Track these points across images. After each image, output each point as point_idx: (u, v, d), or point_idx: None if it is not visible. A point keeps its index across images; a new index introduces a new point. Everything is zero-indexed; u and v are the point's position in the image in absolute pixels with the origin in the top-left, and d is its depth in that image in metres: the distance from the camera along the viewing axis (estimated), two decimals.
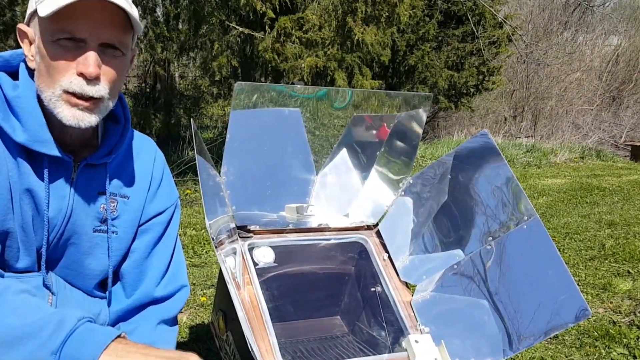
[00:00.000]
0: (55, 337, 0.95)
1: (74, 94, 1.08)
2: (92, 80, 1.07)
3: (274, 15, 6.10)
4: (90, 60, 1.06)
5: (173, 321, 1.36)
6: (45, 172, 1.13)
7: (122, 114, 1.27)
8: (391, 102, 1.73)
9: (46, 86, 1.08)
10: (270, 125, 1.62)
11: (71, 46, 1.06)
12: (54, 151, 1.12)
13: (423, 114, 1.75)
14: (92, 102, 1.10)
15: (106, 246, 1.26)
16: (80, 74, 1.06)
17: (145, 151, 1.35)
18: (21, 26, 1.11)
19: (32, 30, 1.10)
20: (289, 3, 6.32)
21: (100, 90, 1.09)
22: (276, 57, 6.27)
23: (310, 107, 1.66)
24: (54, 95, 1.08)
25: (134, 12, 1.08)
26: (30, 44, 1.11)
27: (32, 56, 1.11)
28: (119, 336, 1.01)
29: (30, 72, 1.14)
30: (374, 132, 1.80)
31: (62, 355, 0.95)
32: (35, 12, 1.07)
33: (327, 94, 1.67)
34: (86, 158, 1.20)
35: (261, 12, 6.05)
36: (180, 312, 1.41)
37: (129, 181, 1.29)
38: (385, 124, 1.78)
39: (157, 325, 1.31)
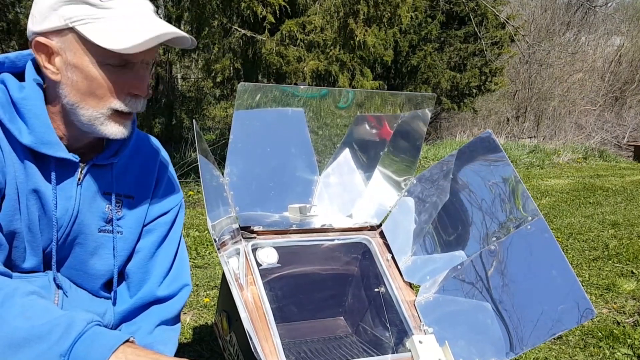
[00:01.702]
0: (64, 340, 0.96)
1: (120, 112, 1.13)
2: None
3: (274, 20, 6.10)
4: (145, 82, 1.13)
5: (175, 320, 1.36)
6: (53, 174, 1.14)
7: None
8: (394, 100, 1.73)
9: (89, 106, 1.10)
10: (273, 126, 1.62)
11: (119, 68, 1.10)
12: (60, 153, 1.12)
13: (427, 114, 1.75)
14: (132, 116, 1.18)
15: (111, 246, 1.26)
16: (134, 95, 1.13)
17: (150, 151, 1.35)
18: (41, 40, 1.08)
19: (55, 44, 1.08)
20: (289, 9, 6.31)
21: (143, 104, 1.17)
22: (280, 59, 6.27)
23: (314, 106, 1.65)
24: (102, 114, 1.11)
25: (186, 34, 1.12)
26: (50, 55, 1.10)
27: (57, 70, 1.10)
28: (127, 340, 1.01)
29: (38, 75, 1.14)
30: (377, 131, 1.79)
31: (70, 357, 0.95)
32: (68, 29, 1.06)
33: (329, 92, 1.66)
34: (92, 159, 1.20)
35: (262, 16, 6.05)
36: (182, 311, 1.41)
37: (134, 181, 1.30)
38: (387, 124, 1.78)
39: (159, 325, 1.32)
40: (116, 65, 1.09)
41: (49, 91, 1.14)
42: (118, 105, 1.11)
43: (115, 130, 1.14)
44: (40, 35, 1.08)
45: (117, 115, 1.13)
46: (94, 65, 1.08)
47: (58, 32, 1.08)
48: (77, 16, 1.05)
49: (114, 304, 1.31)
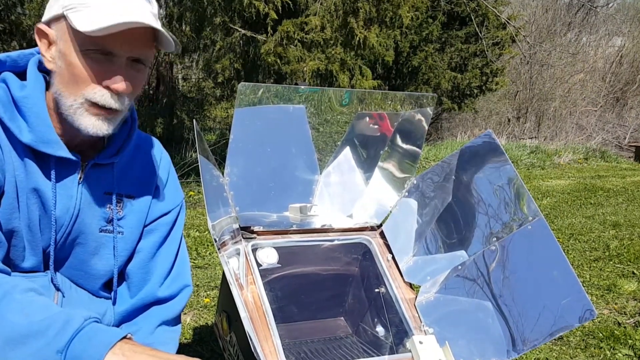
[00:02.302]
0: (62, 336, 0.95)
1: (96, 104, 1.09)
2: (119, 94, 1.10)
3: (276, 17, 6.09)
4: (120, 77, 1.08)
5: (175, 321, 1.36)
6: (53, 172, 1.14)
7: (129, 115, 1.27)
8: (395, 96, 1.72)
9: (69, 93, 1.09)
10: (274, 124, 1.61)
11: (100, 58, 1.07)
12: (60, 152, 1.12)
13: (428, 113, 1.74)
14: (112, 113, 1.12)
15: (112, 246, 1.26)
16: (108, 88, 1.08)
17: (151, 152, 1.35)
18: (42, 27, 1.10)
19: (53, 32, 1.09)
20: (291, 5, 6.31)
21: (124, 102, 1.12)
22: (278, 60, 6.27)
23: (315, 101, 1.64)
24: (76, 103, 1.09)
25: (165, 31, 1.10)
26: (49, 44, 1.11)
27: (52, 58, 1.10)
28: (125, 337, 1.01)
29: (40, 72, 1.14)
30: (378, 128, 1.79)
31: (67, 354, 0.95)
32: (62, 17, 1.06)
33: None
34: (93, 158, 1.20)
35: (264, 13, 6.05)
36: (183, 312, 1.41)
37: (135, 181, 1.30)
38: (389, 121, 1.77)
39: (160, 326, 1.31)
40: (96, 53, 1.06)
41: (50, 87, 1.14)
42: (91, 95, 1.08)
43: (91, 123, 1.10)
44: (43, 24, 1.10)
45: (94, 108, 1.09)
46: (76, 53, 1.06)
47: (56, 20, 1.09)
48: (71, 4, 1.05)
49: (114, 304, 1.31)
